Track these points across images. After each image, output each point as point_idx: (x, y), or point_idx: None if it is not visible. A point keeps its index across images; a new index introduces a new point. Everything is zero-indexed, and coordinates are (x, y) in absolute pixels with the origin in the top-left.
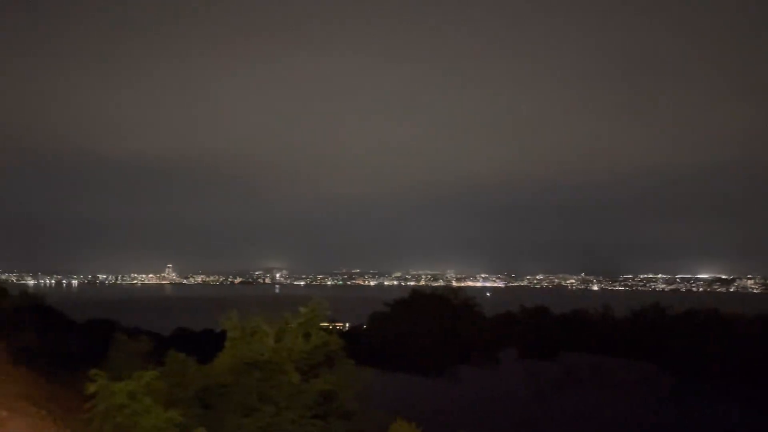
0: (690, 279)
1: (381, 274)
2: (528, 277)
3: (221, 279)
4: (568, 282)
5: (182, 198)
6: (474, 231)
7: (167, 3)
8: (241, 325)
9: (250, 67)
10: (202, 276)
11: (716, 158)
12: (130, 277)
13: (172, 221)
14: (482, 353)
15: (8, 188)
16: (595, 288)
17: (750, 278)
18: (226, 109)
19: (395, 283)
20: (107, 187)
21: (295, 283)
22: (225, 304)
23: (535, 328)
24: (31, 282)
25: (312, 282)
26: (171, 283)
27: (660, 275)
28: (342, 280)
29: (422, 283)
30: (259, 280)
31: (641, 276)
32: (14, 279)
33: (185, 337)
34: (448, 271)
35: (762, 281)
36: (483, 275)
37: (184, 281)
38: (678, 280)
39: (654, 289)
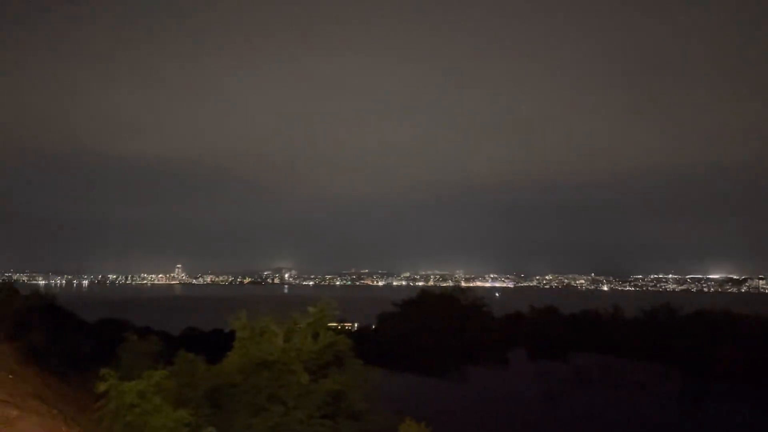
0: (701, 279)
1: (389, 275)
2: (537, 278)
3: (230, 279)
4: (577, 282)
5: (192, 199)
6: (482, 231)
7: (172, 4)
8: (251, 325)
9: (258, 66)
10: (211, 276)
11: (728, 158)
12: (140, 277)
13: (181, 221)
14: (491, 354)
15: (20, 189)
16: (605, 288)
17: (762, 278)
18: (231, 110)
19: (404, 283)
20: (117, 188)
21: (304, 283)
22: (234, 304)
23: (544, 329)
24: (42, 282)
25: (321, 282)
26: (180, 283)
27: (670, 275)
28: (350, 280)
29: (431, 283)
30: (268, 280)
31: (651, 276)
32: (25, 279)
33: (195, 336)
34: (457, 271)
35: None
36: (492, 275)
37: (194, 281)
38: (689, 280)
39: (664, 289)
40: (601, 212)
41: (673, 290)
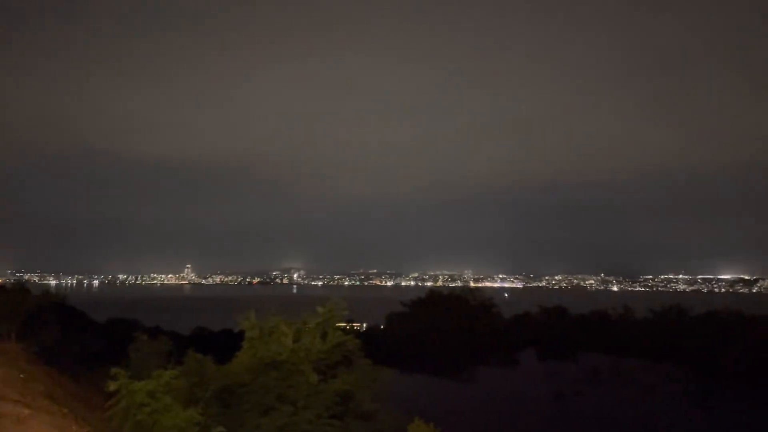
0: (712, 280)
1: (398, 275)
2: (546, 278)
3: (239, 279)
4: (587, 283)
5: (201, 199)
6: (491, 232)
7: (180, 8)
8: (260, 325)
9: (261, 68)
10: (220, 276)
11: (739, 158)
12: (149, 277)
13: (191, 222)
14: (500, 354)
15: (31, 190)
16: (615, 288)
17: None
18: (237, 112)
19: (412, 283)
20: (127, 188)
21: (313, 283)
22: (243, 304)
23: (554, 329)
24: (53, 282)
25: (329, 282)
26: (190, 283)
27: (681, 276)
28: (359, 280)
29: (439, 283)
30: (277, 280)
31: (661, 277)
32: (36, 279)
33: (204, 336)
34: (466, 271)
35: None
36: (501, 276)
37: (203, 281)
38: (699, 280)
39: (674, 290)
40: (611, 213)
41: (684, 291)
